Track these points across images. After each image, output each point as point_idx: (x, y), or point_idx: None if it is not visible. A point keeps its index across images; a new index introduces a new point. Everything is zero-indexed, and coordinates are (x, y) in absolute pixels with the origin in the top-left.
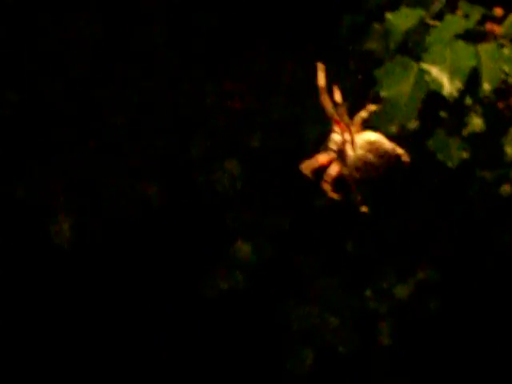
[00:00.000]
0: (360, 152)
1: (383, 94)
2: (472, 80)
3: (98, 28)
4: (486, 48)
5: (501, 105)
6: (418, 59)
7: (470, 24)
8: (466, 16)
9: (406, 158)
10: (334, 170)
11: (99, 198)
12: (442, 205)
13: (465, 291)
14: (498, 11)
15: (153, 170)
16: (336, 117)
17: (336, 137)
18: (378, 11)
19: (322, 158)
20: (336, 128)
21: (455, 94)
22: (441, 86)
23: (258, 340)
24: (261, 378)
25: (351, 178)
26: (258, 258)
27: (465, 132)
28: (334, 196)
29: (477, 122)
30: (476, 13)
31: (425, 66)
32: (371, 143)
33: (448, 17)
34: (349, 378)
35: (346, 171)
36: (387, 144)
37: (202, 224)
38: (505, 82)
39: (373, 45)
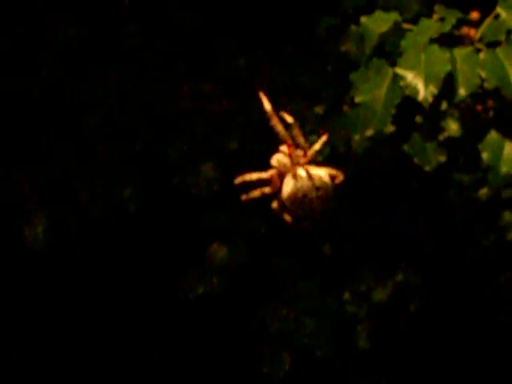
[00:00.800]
0: (305, 183)
1: (358, 99)
2: (448, 85)
3: (74, 28)
4: (461, 52)
5: (479, 108)
6: (394, 64)
7: (446, 28)
8: (442, 20)
9: (339, 178)
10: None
11: (74, 200)
12: (421, 207)
13: (443, 294)
14: (475, 15)
15: (129, 173)
16: (289, 140)
17: (282, 158)
18: (354, 13)
19: (260, 174)
20: (284, 148)
21: (430, 99)
22: (416, 91)
23: (234, 343)
24: (238, 382)
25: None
26: (234, 260)
27: (441, 136)
28: (287, 219)
29: (453, 127)
30: (452, 17)
31: (400, 70)
32: (320, 180)
33: (423, 20)
34: (326, 382)
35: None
36: (331, 190)
37: (179, 227)
38: (481, 86)
39: (349, 47)
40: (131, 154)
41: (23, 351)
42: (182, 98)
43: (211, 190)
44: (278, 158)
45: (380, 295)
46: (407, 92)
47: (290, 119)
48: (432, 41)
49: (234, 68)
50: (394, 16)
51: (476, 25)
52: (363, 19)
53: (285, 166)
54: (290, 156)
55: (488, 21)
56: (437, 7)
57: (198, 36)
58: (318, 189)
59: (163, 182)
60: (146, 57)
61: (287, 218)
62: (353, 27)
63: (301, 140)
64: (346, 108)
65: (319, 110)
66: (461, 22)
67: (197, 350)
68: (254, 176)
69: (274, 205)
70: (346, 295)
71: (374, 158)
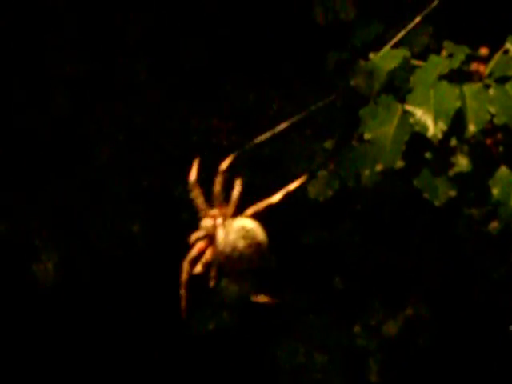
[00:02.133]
0: (230, 237)
1: (367, 135)
2: (457, 121)
3: (82, 63)
4: (471, 88)
5: (489, 142)
6: (403, 100)
7: (455, 64)
8: (451, 56)
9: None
10: (206, 254)
11: (84, 236)
12: (430, 241)
13: (454, 327)
14: (484, 51)
15: (137, 208)
16: (205, 209)
17: (207, 222)
18: (363, 48)
19: (198, 247)
20: (206, 213)
21: (440, 135)
22: (425, 128)
23: (246, 379)
24: None
25: (218, 263)
26: (244, 296)
27: (451, 172)
28: (211, 283)
29: (463, 162)
30: (461, 53)
31: (409, 107)
32: (243, 229)
33: (432, 57)
34: None
35: (215, 255)
36: (259, 231)
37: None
38: (491, 121)
39: (358, 82)
40: (140, 190)
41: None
42: (191, 133)
43: None
44: (205, 224)
45: (390, 329)
46: (417, 128)
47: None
48: (441, 77)
49: (243, 103)
50: (402, 52)
51: (485, 60)
52: (372, 56)
53: (208, 229)
54: (214, 216)
55: (497, 56)
56: (446, 43)
57: (207, 71)
58: (244, 238)
59: (172, 218)
60: (154, 92)
61: (233, 272)
62: (361, 62)
63: (221, 203)
64: (355, 143)
65: (328, 144)
66: (470, 58)
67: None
68: (196, 250)
69: (197, 269)
70: (357, 329)
71: (383, 193)
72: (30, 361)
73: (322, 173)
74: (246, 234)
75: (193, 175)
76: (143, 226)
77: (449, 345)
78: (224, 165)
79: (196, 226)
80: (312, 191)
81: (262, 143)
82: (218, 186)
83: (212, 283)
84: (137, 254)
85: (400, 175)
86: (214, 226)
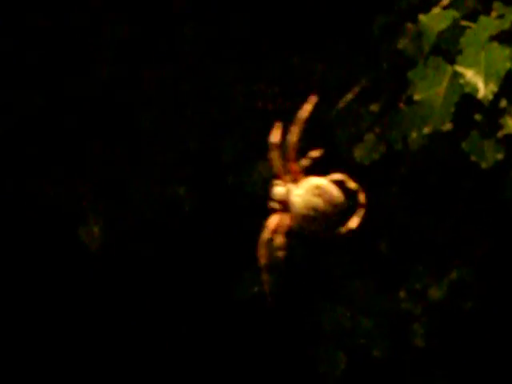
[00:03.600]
0: (305, 197)
1: (416, 97)
2: (507, 82)
3: (127, 28)
4: None
5: None
6: (452, 61)
7: (505, 25)
8: (501, 17)
9: (362, 196)
10: (283, 222)
11: (129, 200)
12: (476, 205)
13: (499, 291)
14: None
15: (183, 173)
16: (282, 173)
17: (278, 189)
18: (410, 11)
19: (272, 223)
20: (276, 181)
21: (490, 97)
22: (476, 89)
23: (290, 343)
24: (294, 381)
25: (298, 228)
26: (289, 259)
27: (500, 134)
28: (280, 254)
29: None
30: (510, 14)
31: (459, 68)
32: (317, 187)
33: (482, 18)
34: (382, 381)
35: (292, 222)
36: (334, 189)
37: (233, 226)
38: None
39: (405, 45)
40: (185, 154)
41: (71, 345)
42: (236, 97)
43: (267, 188)
44: (277, 192)
45: (435, 293)
46: (467, 90)
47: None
48: (491, 38)
49: (287, 67)
50: (452, 13)
51: None
52: (422, 17)
53: (283, 194)
54: (285, 182)
55: None
56: (495, 4)
57: (252, 35)
58: (321, 195)
59: (218, 182)
60: (200, 57)
61: (280, 253)
62: (408, 25)
63: (295, 167)
64: (401, 105)
65: (374, 107)
66: None
67: (253, 350)
68: (270, 228)
69: (279, 240)
70: (402, 293)
71: (430, 156)
72: (79, 318)
73: (369, 136)
74: (321, 191)
75: (276, 137)
76: (189, 190)
77: (494, 309)
78: (275, 137)
79: (242, 191)
80: (358, 154)
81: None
82: (275, 160)
83: (282, 254)
84: (183, 217)
85: (447, 138)
86: (287, 191)
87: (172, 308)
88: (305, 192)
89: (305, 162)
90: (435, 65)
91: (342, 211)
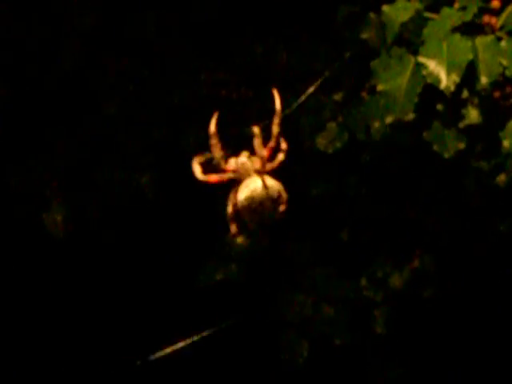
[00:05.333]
0: (255, 191)
1: (380, 87)
2: (469, 73)
3: (90, 17)
4: (483, 41)
5: (497, 95)
6: (415, 52)
7: (467, 17)
8: (463, 8)
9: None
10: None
11: (93, 187)
12: (438, 194)
13: (459, 279)
14: (496, 3)
15: (146, 160)
16: (221, 159)
17: (242, 161)
18: (373, 1)
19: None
20: (244, 154)
21: (452, 87)
22: (438, 80)
23: (252, 331)
24: (256, 370)
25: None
26: (252, 247)
27: (461, 124)
28: (233, 229)
29: (473, 114)
30: (473, 5)
31: (422, 59)
32: (268, 188)
33: (445, 9)
34: (344, 368)
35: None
36: (276, 187)
37: (196, 214)
38: (502, 74)
39: (369, 35)
40: (149, 142)
41: (37, 336)
42: (199, 86)
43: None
44: (240, 161)
45: (396, 281)
46: (429, 80)
47: (256, 130)
48: (454, 29)
49: (251, 56)
50: (415, 5)
51: (497, 13)
52: (385, 8)
53: (245, 170)
54: (250, 163)
55: (509, 9)
56: None
57: (215, 24)
58: (271, 199)
59: (181, 170)
60: (163, 45)
61: (233, 228)
62: (371, 15)
63: (261, 150)
64: (364, 95)
65: (337, 97)
66: (482, 11)
67: (214, 338)
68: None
69: (229, 209)
70: (363, 281)
71: (392, 145)
72: (41, 311)
73: (331, 125)
74: (274, 195)
75: (212, 127)
76: (152, 177)
77: (453, 298)
78: (212, 127)
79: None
80: (321, 143)
81: (268, 97)
82: (215, 149)
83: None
84: (146, 205)
85: (409, 127)
86: (248, 172)
87: (135, 296)
88: (257, 185)
89: (280, 157)
90: (398, 55)
91: (281, 209)
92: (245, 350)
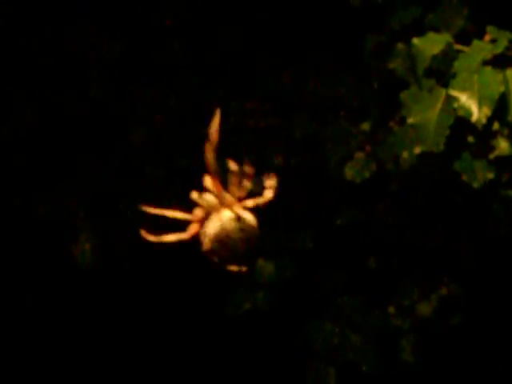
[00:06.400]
0: (224, 225)
1: (411, 120)
2: (500, 105)
3: (118, 45)
4: None
5: None
6: (445, 85)
7: (498, 49)
8: (494, 41)
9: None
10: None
11: (121, 217)
12: (465, 223)
13: (487, 307)
14: None
15: (174, 189)
16: (216, 175)
17: (209, 196)
18: (401, 31)
19: (184, 215)
20: (211, 185)
21: (484, 120)
22: (469, 113)
23: (280, 358)
24: None
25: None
26: (280, 276)
27: (491, 155)
28: (215, 260)
29: (503, 146)
30: (504, 38)
31: (453, 92)
32: (241, 221)
33: (476, 42)
34: None
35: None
36: (252, 222)
37: None
38: None
39: (397, 65)
40: (175, 170)
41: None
42: (229, 115)
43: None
44: (206, 197)
45: (424, 309)
46: (461, 113)
47: (233, 166)
48: (485, 62)
49: (279, 85)
50: (446, 37)
51: None
52: (415, 40)
53: (212, 206)
54: (218, 196)
55: None
56: (489, 28)
57: (243, 52)
58: (242, 231)
59: None
60: (191, 74)
61: (215, 259)
62: (399, 45)
63: (236, 183)
64: (393, 125)
65: (365, 126)
66: None
67: (243, 366)
68: (178, 215)
69: (205, 247)
70: (391, 309)
71: (420, 174)
72: (71, 337)
73: (359, 154)
74: (246, 227)
75: (214, 132)
76: (179, 206)
77: (482, 325)
78: (214, 133)
79: None
80: (349, 173)
81: (301, 125)
82: (211, 160)
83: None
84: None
85: (438, 157)
86: (216, 206)
87: (164, 325)
88: (226, 219)
89: (260, 200)
90: (428, 87)
91: (253, 243)
92: (273, 378)
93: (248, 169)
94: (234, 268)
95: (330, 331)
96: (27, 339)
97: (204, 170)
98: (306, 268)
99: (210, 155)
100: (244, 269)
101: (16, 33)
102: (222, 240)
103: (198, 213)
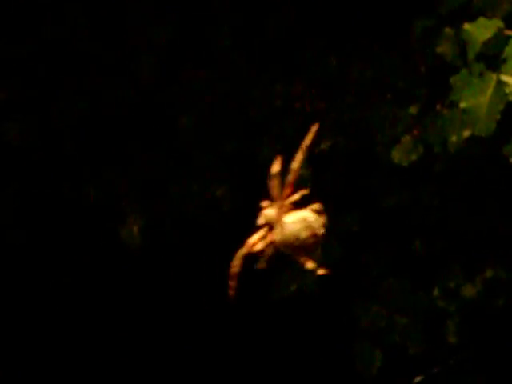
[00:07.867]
0: (294, 227)
1: (462, 105)
2: None
3: (166, 30)
4: None
5: None
6: (496, 70)
7: None
8: None
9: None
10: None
11: (169, 200)
12: (511, 205)
13: None
14: None
15: (222, 173)
16: (276, 198)
17: (269, 212)
18: (449, 16)
19: (253, 240)
20: (266, 203)
21: None
22: None
23: (327, 341)
24: (330, 379)
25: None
26: (327, 258)
27: None
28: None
29: None
30: None
31: (504, 77)
32: (305, 220)
33: None
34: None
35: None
36: (318, 221)
37: None
38: None
39: (445, 49)
40: (225, 155)
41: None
42: (275, 98)
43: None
44: (265, 215)
45: (469, 291)
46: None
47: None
48: None
49: (325, 68)
50: (496, 23)
51: None
52: (466, 26)
53: (272, 219)
54: (275, 208)
55: None
56: None
57: (290, 36)
58: (307, 228)
59: (256, 182)
60: (237, 58)
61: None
62: (447, 29)
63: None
64: (441, 108)
65: (413, 110)
66: None
67: (289, 347)
68: (258, 246)
69: (260, 265)
70: (436, 291)
71: (468, 158)
72: (118, 322)
73: (406, 138)
74: (307, 224)
75: (276, 167)
76: (227, 191)
77: None
78: (276, 167)
79: None
80: (396, 156)
81: (348, 108)
82: (275, 188)
83: (261, 266)
84: (221, 218)
85: (486, 141)
86: (277, 216)
87: (210, 309)
88: (295, 222)
89: (296, 197)
90: (478, 72)
91: (319, 241)
92: (319, 360)
93: (295, 162)
94: (314, 267)
95: (376, 313)
96: (76, 320)
97: (249, 154)
98: (353, 250)
99: (275, 187)
100: (325, 271)
101: (66, 21)
102: (290, 243)
103: (264, 230)
